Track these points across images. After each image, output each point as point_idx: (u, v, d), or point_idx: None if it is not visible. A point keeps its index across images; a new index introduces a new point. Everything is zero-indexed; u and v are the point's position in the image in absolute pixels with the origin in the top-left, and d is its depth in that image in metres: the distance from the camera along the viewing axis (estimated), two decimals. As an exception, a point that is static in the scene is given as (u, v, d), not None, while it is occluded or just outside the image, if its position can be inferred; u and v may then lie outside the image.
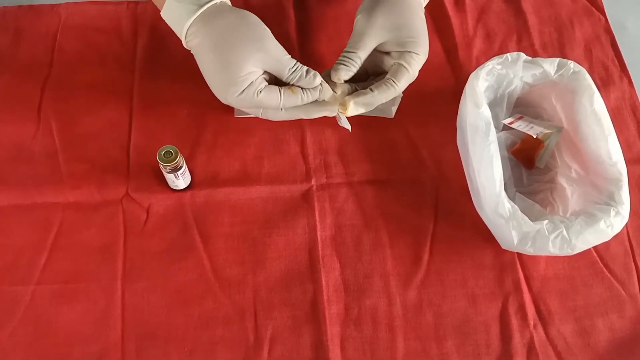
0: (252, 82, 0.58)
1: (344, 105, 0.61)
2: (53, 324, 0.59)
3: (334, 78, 0.61)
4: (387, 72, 0.62)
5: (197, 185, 0.65)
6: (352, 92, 0.62)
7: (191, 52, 0.61)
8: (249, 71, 0.58)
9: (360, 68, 0.62)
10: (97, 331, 0.59)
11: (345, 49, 0.62)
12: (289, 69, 0.59)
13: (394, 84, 0.61)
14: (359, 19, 0.62)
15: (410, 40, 0.61)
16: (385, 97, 0.61)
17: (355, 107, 0.61)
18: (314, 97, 0.60)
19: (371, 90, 0.61)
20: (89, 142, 0.67)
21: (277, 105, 0.60)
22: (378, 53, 0.63)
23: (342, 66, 0.61)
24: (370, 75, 0.64)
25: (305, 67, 0.60)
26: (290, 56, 0.60)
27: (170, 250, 0.62)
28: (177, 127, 0.68)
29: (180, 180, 0.63)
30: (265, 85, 0.59)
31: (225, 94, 0.59)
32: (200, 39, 0.58)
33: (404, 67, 0.61)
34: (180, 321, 0.60)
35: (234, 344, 0.59)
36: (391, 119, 0.68)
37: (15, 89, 0.69)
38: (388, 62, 0.63)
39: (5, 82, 0.70)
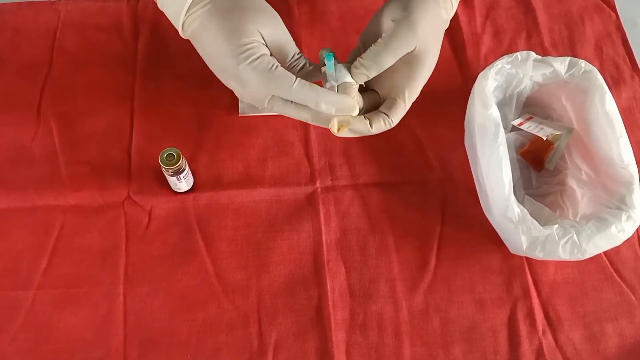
0: (264, 54, 0.54)
1: (336, 125, 0.55)
2: (54, 330, 0.58)
3: (355, 77, 0.55)
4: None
5: (199, 187, 0.64)
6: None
7: (189, 31, 0.55)
8: (261, 42, 0.54)
9: None
10: (98, 337, 0.58)
11: (372, 47, 0.55)
12: (294, 54, 0.56)
13: (389, 119, 0.56)
14: (398, 20, 0.55)
15: (422, 62, 0.56)
16: (378, 131, 0.56)
17: (348, 132, 0.55)
18: (329, 107, 0.53)
19: (369, 122, 0.55)
20: (89, 143, 0.66)
21: (289, 86, 0.52)
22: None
23: (362, 70, 0.54)
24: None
25: (307, 60, 0.56)
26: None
27: (172, 254, 0.61)
28: (179, 128, 0.67)
29: (183, 183, 0.62)
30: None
31: (235, 60, 0.52)
32: (207, 8, 0.53)
33: (402, 102, 0.56)
34: (183, 327, 0.59)
35: (238, 350, 0.58)
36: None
37: (15, 88, 0.68)
38: (388, 81, 0.57)
39: (4, 82, 0.69)
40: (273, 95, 0.54)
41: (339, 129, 0.55)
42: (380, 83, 0.58)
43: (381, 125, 0.56)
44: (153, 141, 0.66)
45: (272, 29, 0.55)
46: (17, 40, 0.71)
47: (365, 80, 0.56)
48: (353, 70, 0.55)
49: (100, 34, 0.72)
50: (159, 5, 0.57)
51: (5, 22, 0.72)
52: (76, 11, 0.73)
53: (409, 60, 0.56)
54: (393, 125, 0.57)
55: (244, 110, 0.66)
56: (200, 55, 0.56)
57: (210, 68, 0.56)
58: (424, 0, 0.56)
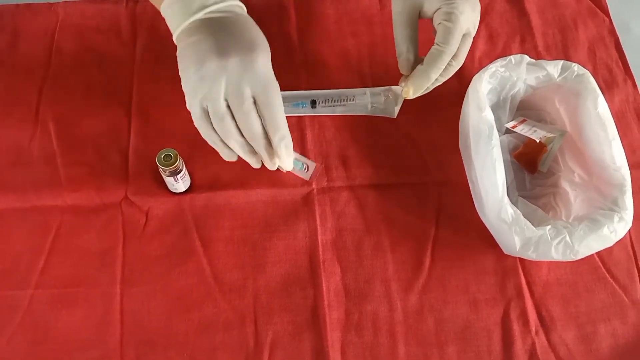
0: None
1: (406, 92, 0.60)
2: (51, 330, 0.59)
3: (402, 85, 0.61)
4: None
5: (196, 188, 0.65)
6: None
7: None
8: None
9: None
10: (96, 337, 0.58)
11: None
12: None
13: (440, 47, 0.57)
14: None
15: None
16: (438, 66, 0.58)
17: (415, 90, 0.60)
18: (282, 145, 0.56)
19: (421, 65, 0.58)
20: (87, 144, 0.66)
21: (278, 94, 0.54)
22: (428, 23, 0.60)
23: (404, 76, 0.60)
24: None
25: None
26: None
27: (169, 254, 0.62)
28: (177, 129, 0.67)
29: (180, 183, 0.62)
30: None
31: (261, 42, 0.55)
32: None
33: (445, 25, 0.57)
34: (180, 326, 0.59)
35: (234, 349, 0.59)
36: (393, 122, 0.68)
37: (13, 90, 0.69)
38: (435, 28, 0.59)
39: (2, 83, 0.69)
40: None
41: (408, 95, 0.61)
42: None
43: (432, 57, 0.58)
44: (151, 142, 0.66)
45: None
46: (16, 42, 0.71)
47: (410, 57, 0.61)
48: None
49: (98, 35, 0.72)
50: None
51: (4, 24, 0.72)
52: (74, 13, 0.73)
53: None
54: (450, 52, 0.57)
55: None
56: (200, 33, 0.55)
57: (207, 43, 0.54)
58: None
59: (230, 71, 0.53)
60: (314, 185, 0.65)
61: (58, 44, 0.72)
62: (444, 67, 0.58)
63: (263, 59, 0.54)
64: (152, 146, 0.65)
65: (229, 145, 0.56)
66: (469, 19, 0.58)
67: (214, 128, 0.55)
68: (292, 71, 0.71)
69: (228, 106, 0.54)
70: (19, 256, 0.61)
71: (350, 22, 0.75)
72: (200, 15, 0.55)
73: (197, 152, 0.66)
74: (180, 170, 0.61)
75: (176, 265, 0.61)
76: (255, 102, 0.54)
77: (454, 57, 0.59)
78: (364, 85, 0.70)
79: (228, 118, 0.54)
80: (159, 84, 0.69)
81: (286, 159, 0.57)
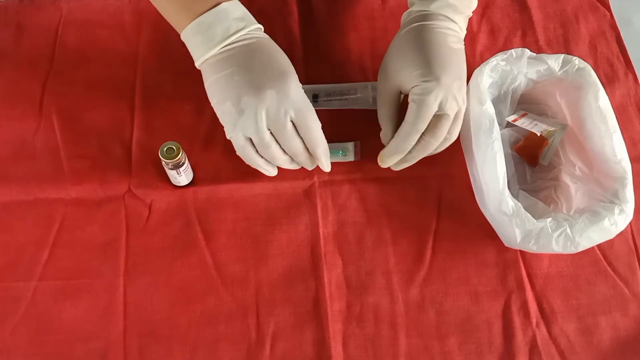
0: None
1: (380, 160, 0.62)
2: (55, 321, 0.59)
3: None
4: None
5: (199, 181, 0.65)
6: None
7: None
8: None
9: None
10: (99, 328, 0.59)
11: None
12: None
13: (406, 125, 0.58)
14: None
15: (419, 72, 0.58)
16: (407, 142, 0.59)
17: (387, 161, 0.61)
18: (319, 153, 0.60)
19: (392, 138, 0.61)
20: (91, 138, 0.67)
21: (315, 117, 0.58)
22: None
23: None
24: None
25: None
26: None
27: (172, 246, 0.62)
28: (180, 122, 0.68)
29: (183, 176, 0.63)
30: None
31: (289, 70, 0.58)
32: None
33: (412, 105, 0.58)
34: (182, 318, 0.60)
35: (236, 340, 0.59)
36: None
37: (17, 84, 0.69)
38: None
39: (6, 78, 0.70)
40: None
41: (382, 163, 0.62)
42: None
43: (399, 131, 0.60)
44: (154, 136, 0.67)
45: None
46: (20, 37, 0.72)
47: (387, 132, 0.62)
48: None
49: (102, 30, 0.73)
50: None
51: (9, 19, 0.73)
52: (78, 8, 0.74)
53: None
54: (413, 129, 0.58)
55: None
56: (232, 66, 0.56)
57: (238, 75, 0.56)
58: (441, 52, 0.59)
59: (269, 103, 0.55)
60: (315, 179, 0.66)
61: (62, 38, 0.72)
62: (412, 143, 0.59)
63: (294, 85, 0.57)
64: (155, 139, 0.66)
65: (276, 164, 0.61)
66: (440, 100, 0.57)
67: (257, 154, 0.59)
68: (294, 66, 0.70)
69: (271, 134, 0.57)
70: (23, 248, 0.62)
71: (352, 16, 0.75)
72: (224, 45, 0.57)
73: (200, 146, 0.67)
74: (183, 164, 0.61)
75: (179, 257, 0.62)
76: (294, 125, 0.57)
77: (430, 134, 0.59)
78: (366, 79, 0.71)
79: (274, 145, 0.58)
80: (162, 79, 0.70)
81: (326, 165, 0.61)
